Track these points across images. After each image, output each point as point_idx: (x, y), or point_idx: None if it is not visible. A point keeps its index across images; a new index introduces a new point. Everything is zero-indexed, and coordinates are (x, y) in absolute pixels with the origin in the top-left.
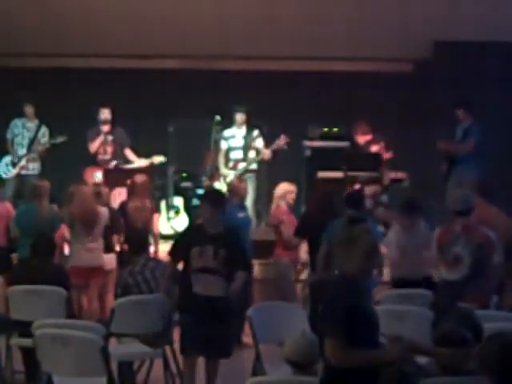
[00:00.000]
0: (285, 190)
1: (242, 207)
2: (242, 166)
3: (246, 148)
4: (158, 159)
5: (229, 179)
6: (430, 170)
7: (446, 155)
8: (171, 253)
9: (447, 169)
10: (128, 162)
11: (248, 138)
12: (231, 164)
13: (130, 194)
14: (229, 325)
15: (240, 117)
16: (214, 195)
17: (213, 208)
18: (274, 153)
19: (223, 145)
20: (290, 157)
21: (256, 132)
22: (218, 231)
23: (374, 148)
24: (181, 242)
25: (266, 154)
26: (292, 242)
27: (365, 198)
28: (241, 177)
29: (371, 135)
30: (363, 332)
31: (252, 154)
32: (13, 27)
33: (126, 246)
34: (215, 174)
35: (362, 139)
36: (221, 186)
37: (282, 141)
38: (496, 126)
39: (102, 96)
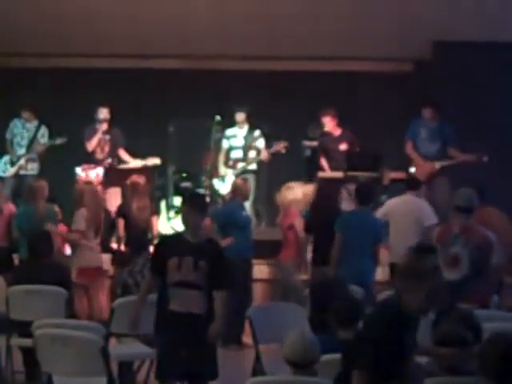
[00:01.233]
0: (305, 193)
1: (243, 206)
2: (241, 165)
3: (247, 148)
4: (153, 161)
5: (227, 178)
6: None
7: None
8: (150, 266)
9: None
10: (122, 162)
11: (249, 137)
12: (230, 163)
13: (132, 194)
14: (211, 345)
15: (240, 116)
16: (199, 199)
17: (197, 213)
18: (273, 156)
19: (224, 144)
20: (290, 157)
21: (257, 132)
22: (199, 240)
23: (343, 146)
24: (158, 251)
25: (265, 156)
26: (304, 240)
27: (375, 192)
28: (242, 176)
29: (336, 124)
30: (393, 365)
31: (252, 153)
32: (13, 27)
33: (123, 246)
34: (213, 173)
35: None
36: (219, 184)
37: (280, 146)
38: (496, 126)
39: (101, 96)
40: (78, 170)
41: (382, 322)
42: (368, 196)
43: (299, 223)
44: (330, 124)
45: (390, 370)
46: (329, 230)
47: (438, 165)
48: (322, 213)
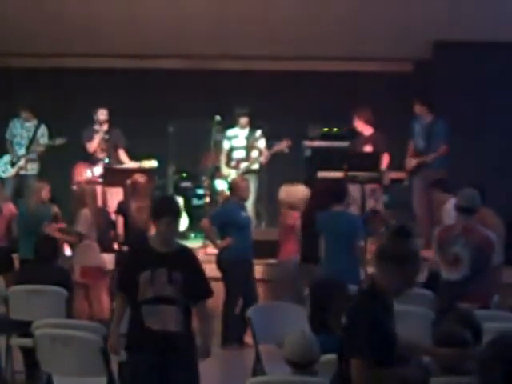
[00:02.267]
0: (306, 194)
1: (243, 206)
2: (244, 165)
3: (248, 148)
4: (149, 163)
5: (230, 178)
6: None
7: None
8: (118, 283)
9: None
10: (119, 163)
11: (250, 138)
12: (233, 163)
13: (132, 193)
14: (192, 365)
15: (244, 120)
16: (174, 203)
17: (172, 219)
18: (274, 155)
19: (225, 144)
20: (290, 157)
21: (259, 132)
22: (170, 250)
23: (368, 147)
24: (127, 266)
25: (264, 158)
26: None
27: (347, 191)
28: (243, 176)
29: (372, 129)
30: (387, 350)
31: (255, 153)
32: (12, 27)
33: (123, 246)
34: (216, 174)
35: (362, 127)
36: (223, 185)
37: (283, 144)
38: (496, 126)
39: (101, 96)
40: (75, 170)
41: (370, 309)
42: (343, 194)
43: (299, 224)
44: (359, 124)
45: (388, 356)
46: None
47: (421, 159)
48: (313, 212)
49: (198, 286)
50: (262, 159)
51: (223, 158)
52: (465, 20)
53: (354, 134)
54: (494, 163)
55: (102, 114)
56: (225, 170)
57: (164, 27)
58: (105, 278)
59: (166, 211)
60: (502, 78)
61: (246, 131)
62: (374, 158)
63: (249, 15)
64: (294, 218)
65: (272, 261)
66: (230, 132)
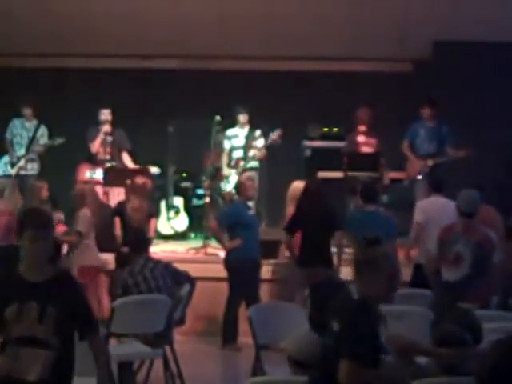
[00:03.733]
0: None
1: (249, 206)
2: (242, 164)
3: (247, 147)
4: (152, 169)
5: (231, 178)
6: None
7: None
8: None
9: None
10: (123, 166)
11: (250, 137)
12: (233, 163)
13: (129, 194)
14: None
15: (243, 118)
16: (40, 215)
17: (38, 235)
18: (269, 148)
19: (226, 144)
20: (290, 157)
21: (258, 132)
22: (42, 278)
23: (365, 148)
24: None
25: (261, 153)
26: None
27: (379, 191)
28: (247, 175)
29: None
30: (374, 354)
31: (252, 152)
32: (13, 27)
33: (123, 246)
34: (218, 175)
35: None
36: (225, 186)
37: (275, 135)
38: (496, 126)
39: (101, 96)
40: (78, 170)
41: (358, 314)
42: (375, 194)
43: None
44: (360, 125)
45: (375, 358)
46: (316, 229)
47: (430, 162)
48: (309, 209)
49: (81, 321)
50: (258, 154)
51: (225, 159)
52: (465, 20)
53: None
54: (494, 162)
55: (103, 115)
56: (226, 171)
57: (164, 27)
58: (104, 277)
59: (28, 224)
60: (501, 78)
61: (246, 130)
62: (374, 158)
63: (249, 15)
64: None
65: (272, 261)
66: (230, 132)
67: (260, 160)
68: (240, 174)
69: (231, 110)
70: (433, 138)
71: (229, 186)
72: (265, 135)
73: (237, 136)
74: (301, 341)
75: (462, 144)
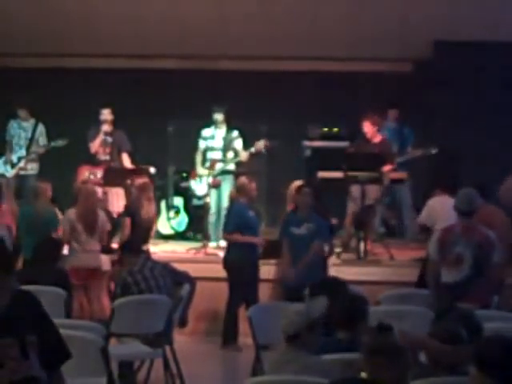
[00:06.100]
0: None
1: (251, 207)
2: (219, 166)
3: (225, 149)
4: (148, 170)
5: (204, 179)
6: (430, 170)
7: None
8: None
9: None
10: (122, 166)
11: (227, 138)
12: (208, 164)
13: (142, 194)
14: None
15: (219, 116)
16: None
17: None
18: (252, 155)
19: (201, 144)
20: (290, 157)
21: (235, 133)
22: (4, 303)
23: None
24: None
25: (243, 156)
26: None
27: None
28: (250, 178)
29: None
30: None
31: (230, 154)
32: (13, 27)
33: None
34: (191, 173)
35: (371, 132)
36: (196, 185)
37: (261, 144)
38: (496, 126)
39: (102, 96)
40: (77, 170)
41: None
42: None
43: None
44: (369, 129)
45: None
46: None
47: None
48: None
49: (51, 349)
50: (242, 157)
51: (199, 158)
52: (465, 20)
53: (356, 135)
54: (494, 162)
55: (103, 114)
56: (200, 170)
57: (164, 27)
58: (103, 278)
59: None
60: (501, 77)
61: (223, 131)
62: (375, 158)
63: (249, 15)
64: None
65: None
66: (206, 132)
67: (240, 163)
68: (215, 176)
69: (210, 110)
70: (395, 138)
71: (200, 186)
72: (265, 136)
73: (213, 137)
74: (289, 315)
75: (423, 143)
